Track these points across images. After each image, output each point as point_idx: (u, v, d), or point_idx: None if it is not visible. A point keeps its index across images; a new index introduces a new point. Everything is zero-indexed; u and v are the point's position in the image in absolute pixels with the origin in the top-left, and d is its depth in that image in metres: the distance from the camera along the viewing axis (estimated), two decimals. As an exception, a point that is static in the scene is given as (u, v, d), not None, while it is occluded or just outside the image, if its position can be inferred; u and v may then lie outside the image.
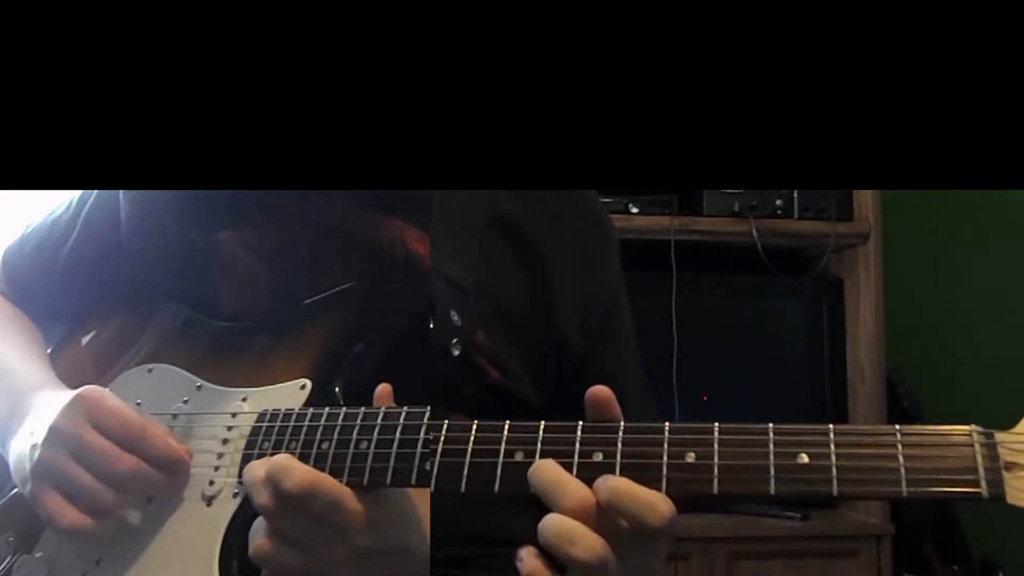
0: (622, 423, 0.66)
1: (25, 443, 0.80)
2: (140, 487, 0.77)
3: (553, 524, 0.62)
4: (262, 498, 0.69)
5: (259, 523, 0.71)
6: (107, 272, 0.98)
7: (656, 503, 0.62)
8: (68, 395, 0.79)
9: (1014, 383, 2.21)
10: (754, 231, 2.08)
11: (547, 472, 0.65)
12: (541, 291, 0.91)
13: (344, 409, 0.74)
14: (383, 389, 0.74)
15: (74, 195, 1.02)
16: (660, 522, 0.62)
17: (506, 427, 0.68)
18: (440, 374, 0.82)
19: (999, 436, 0.60)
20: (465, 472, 0.67)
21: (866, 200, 2.14)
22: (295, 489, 0.67)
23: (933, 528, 2.14)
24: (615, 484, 0.63)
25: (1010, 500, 0.58)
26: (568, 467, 0.65)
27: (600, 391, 0.67)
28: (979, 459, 0.59)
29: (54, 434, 0.77)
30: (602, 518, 0.62)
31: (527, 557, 0.64)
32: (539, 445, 0.66)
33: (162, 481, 0.77)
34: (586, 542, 0.61)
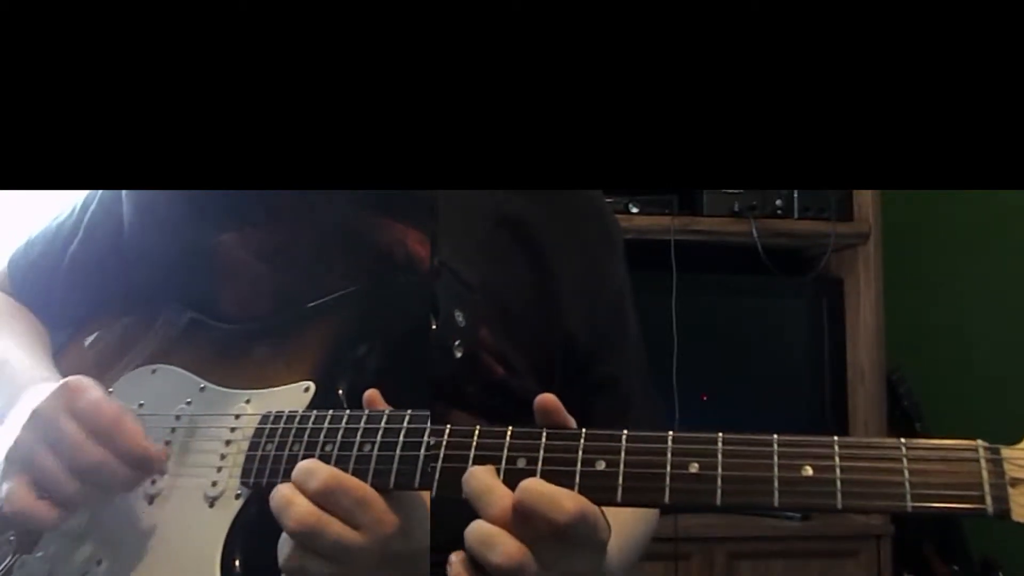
0: (625, 432, 0.66)
1: (10, 432, 0.79)
2: (104, 481, 0.76)
3: (475, 530, 0.64)
4: (291, 515, 0.68)
5: (286, 537, 0.70)
6: (111, 275, 0.98)
7: (560, 499, 0.63)
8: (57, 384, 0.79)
9: (1014, 383, 2.21)
10: (754, 231, 2.08)
11: (477, 480, 0.66)
12: (546, 290, 0.91)
13: (347, 412, 0.75)
14: (371, 395, 0.75)
15: (78, 199, 1.02)
16: (565, 517, 0.62)
17: (508, 433, 0.68)
18: (442, 375, 0.82)
19: (1005, 452, 0.59)
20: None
21: (866, 200, 2.14)
22: (321, 487, 0.67)
23: (933, 528, 2.15)
24: (525, 484, 0.64)
25: (1015, 517, 0.58)
26: (571, 475, 0.65)
27: (548, 399, 0.68)
28: (985, 475, 0.59)
29: (34, 417, 0.77)
30: (523, 524, 0.63)
31: (455, 562, 0.65)
32: (541, 452, 0.66)
33: (128, 477, 0.76)
34: (504, 547, 0.62)
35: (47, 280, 1.01)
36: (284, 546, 0.69)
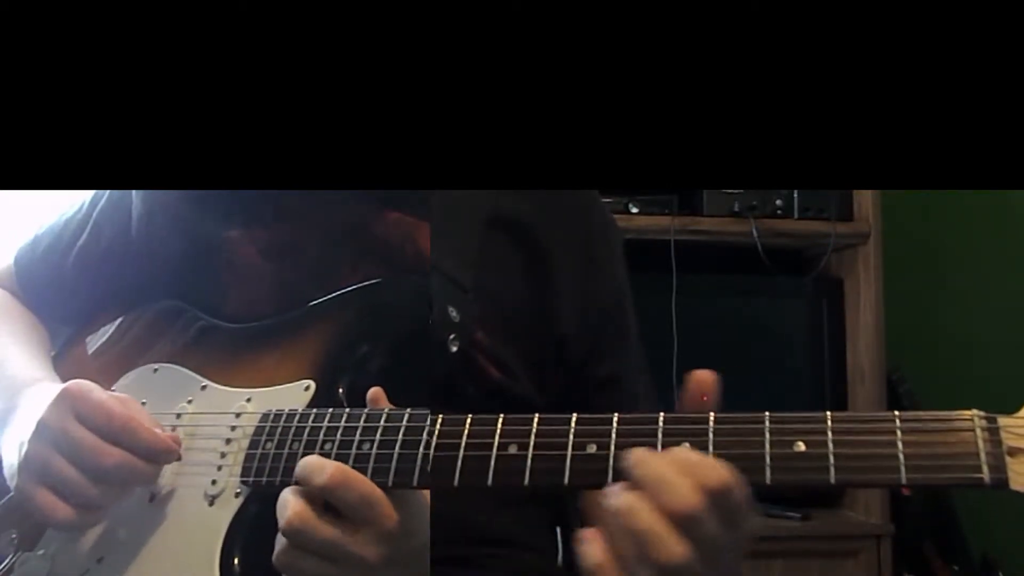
0: (616, 415, 0.65)
1: (14, 438, 0.80)
2: (126, 479, 0.77)
3: (639, 520, 0.59)
4: (283, 515, 0.67)
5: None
6: (116, 271, 0.98)
7: (727, 478, 0.59)
8: (57, 389, 0.79)
9: (1014, 383, 2.21)
10: (754, 231, 2.07)
11: (652, 467, 0.60)
12: (543, 291, 0.91)
13: (347, 410, 0.75)
14: (375, 393, 0.75)
15: (86, 196, 1.02)
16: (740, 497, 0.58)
17: (500, 420, 0.67)
18: (438, 370, 0.82)
19: (1002, 420, 0.58)
20: (459, 465, 0.66)
21: (866, 200, 2.14)
22: (327, 482, 0.67)
23: (933, 528, 2.14)
24: (710, 464, 0.60)
25: (1013, 486, 0.56)
26: (562, 460, 0.65)
27: (707, 376, 0.67)
28: (981, 444, 0.57)
29: (41, 428, 0.77)
30: (700, 520, 0.59)
31: (593, 546, 0.60)
32: (533, 438, 0.66)
33: (149, 472, 0.77)
34: (667, 549, 0.58)
35: (53, 275, 1.01)
36: (278, 542, 0.70)
